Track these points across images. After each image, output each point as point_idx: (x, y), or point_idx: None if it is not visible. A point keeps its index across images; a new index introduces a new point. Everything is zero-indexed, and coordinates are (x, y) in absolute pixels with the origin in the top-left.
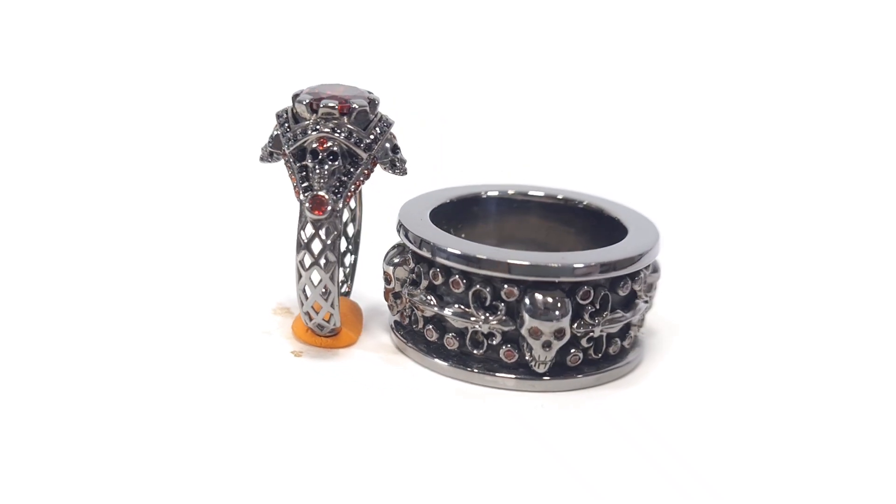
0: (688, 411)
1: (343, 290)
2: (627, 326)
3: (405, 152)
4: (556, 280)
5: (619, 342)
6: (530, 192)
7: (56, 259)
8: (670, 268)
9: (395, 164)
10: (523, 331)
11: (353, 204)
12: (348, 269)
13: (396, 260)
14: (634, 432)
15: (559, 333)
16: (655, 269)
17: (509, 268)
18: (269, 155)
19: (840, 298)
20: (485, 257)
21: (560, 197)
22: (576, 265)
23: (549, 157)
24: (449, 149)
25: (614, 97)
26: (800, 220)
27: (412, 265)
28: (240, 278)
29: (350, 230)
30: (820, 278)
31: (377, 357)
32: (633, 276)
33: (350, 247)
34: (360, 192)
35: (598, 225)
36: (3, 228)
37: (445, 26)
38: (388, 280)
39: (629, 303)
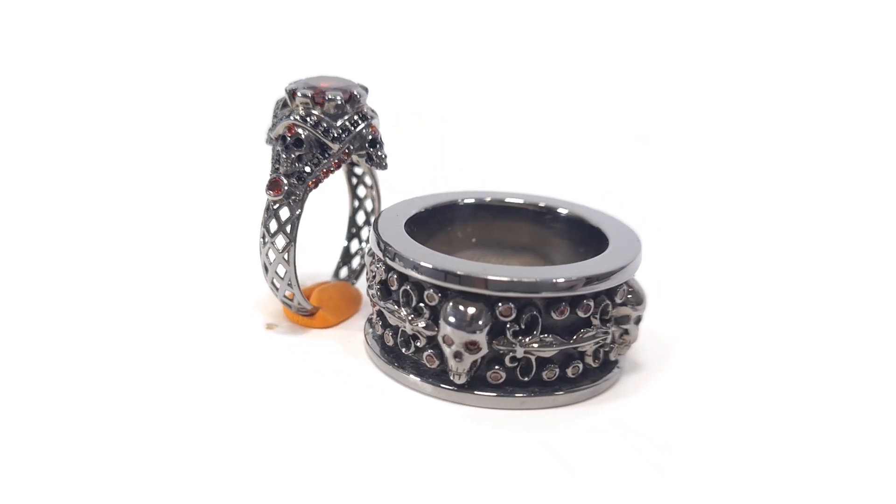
0: (600, 459)
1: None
2: (579, 354)
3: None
4: (476, 291)
5: (556, 368)
6: (507, 199)
7: (58, 247)
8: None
9: (372, 157)
10: (439, 337)
11: (374, 194)
12: (362, 259)
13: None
14: (518, 463)
15: (472, 346)
16: (639, 301)
17: (431, 272)
18: (269, 139)
19: (814, 312)
20: (411, 259)
21: (542, 205)
22: (492, 278)
23: (549, 159)
24: (450, 149)
25: (614, 101)
26: (787, 235)
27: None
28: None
29: (372, 220)
30: (800, 291)
31: (337, 342)
32: (575, 302)
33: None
34: (377, 184)
35: (585, 236)
36: None
37: (452, 32)
38: (366, 272)
39: (575, 329)
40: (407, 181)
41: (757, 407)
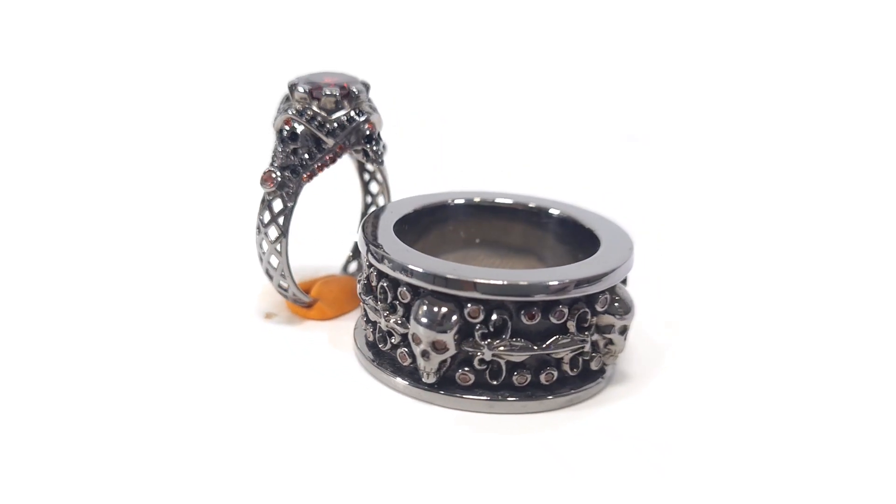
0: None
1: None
2: (555, 361)
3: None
4: (444, 291)
5: (527, 374)
6: (497, 200)
7: (59, 237)
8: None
9: (368, 153)
10: (409, 335)
11: (385, 191)
12: None
13: None
14: (478, 467)
15: (438, 346)
16: (627, 310)
17: (406, 271)
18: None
19: (819, 316)
20: (392, 256)
21: (532, 205)
22: (457, 278)
23: (552, 158)
24: (450, 149)
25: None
26: (787, 235)
27: None
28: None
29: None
30: (804, 293)
31: (328, 335)
32: (547, 307)
33: None
34: (387, 181)
35: (580, 238)
36: None
37: (451, 33)
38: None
39: (548, 335)
40: (406, 180)
41: (751, 424)
